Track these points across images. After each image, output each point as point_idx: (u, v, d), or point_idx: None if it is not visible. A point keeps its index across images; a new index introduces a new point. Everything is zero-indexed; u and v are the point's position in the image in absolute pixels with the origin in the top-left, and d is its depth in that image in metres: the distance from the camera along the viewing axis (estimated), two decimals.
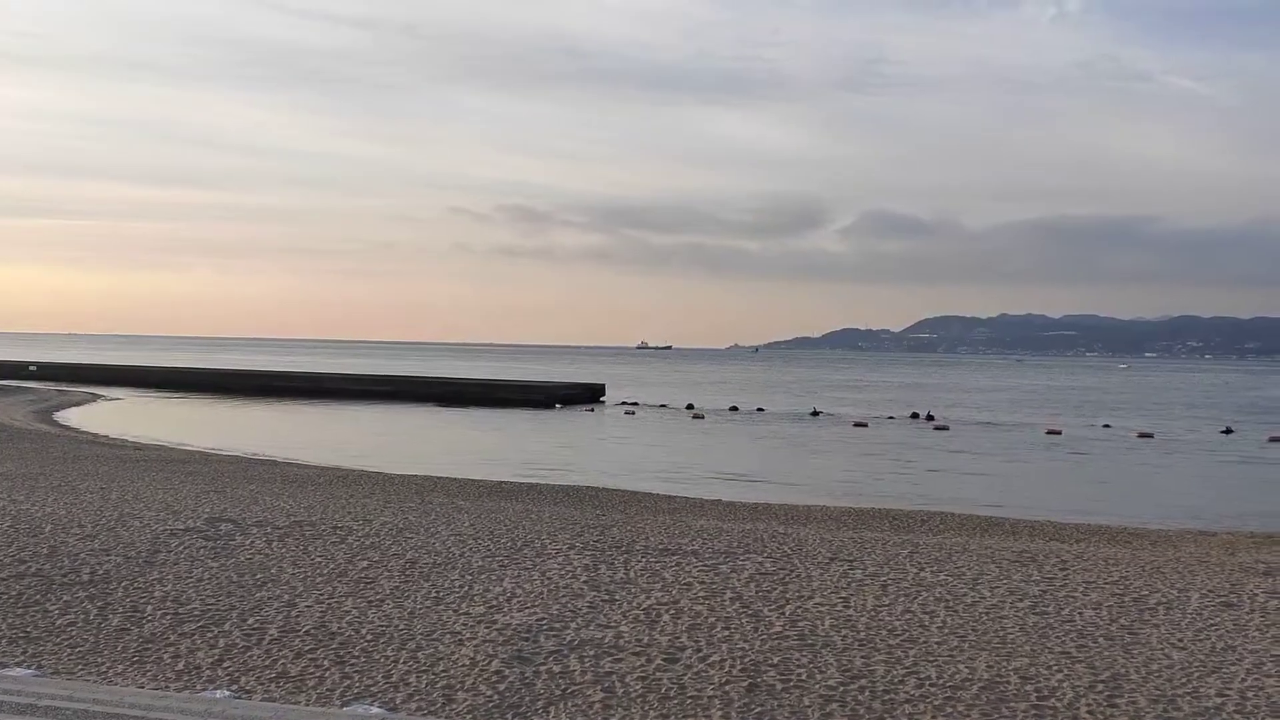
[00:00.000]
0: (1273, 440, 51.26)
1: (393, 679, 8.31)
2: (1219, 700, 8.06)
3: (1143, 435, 52.80)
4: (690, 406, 67.59)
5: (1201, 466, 39.72)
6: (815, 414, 64.16)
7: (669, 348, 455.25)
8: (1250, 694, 8.23)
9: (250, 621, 9.88)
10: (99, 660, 8.67)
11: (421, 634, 9.59)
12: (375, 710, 7.08)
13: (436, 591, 11.36)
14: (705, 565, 13.25)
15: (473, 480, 27.17)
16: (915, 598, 11.67)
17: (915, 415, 63.81)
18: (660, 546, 14.70)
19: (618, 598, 11.30)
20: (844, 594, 11.77)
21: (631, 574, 12.59)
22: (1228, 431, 56.41)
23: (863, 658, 9.09)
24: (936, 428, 55.30)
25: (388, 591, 11.29)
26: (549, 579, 12.17)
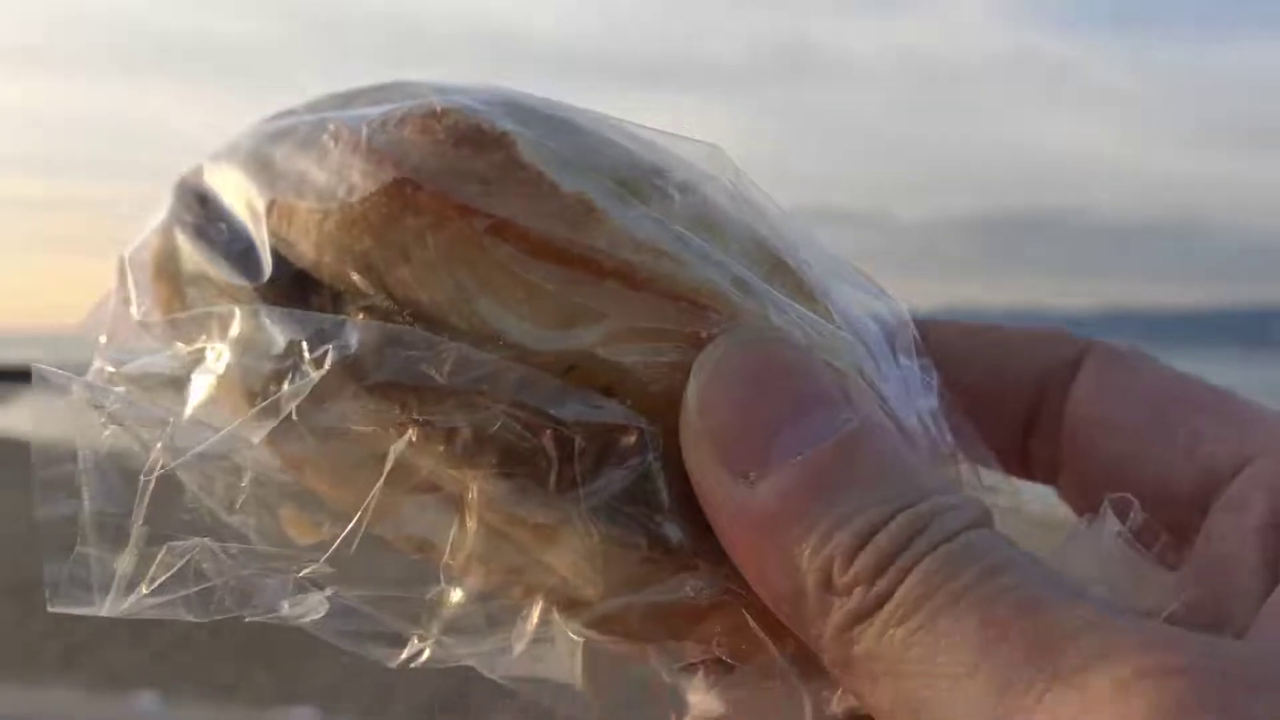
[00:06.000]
0: None
1: (328, 682, 8.17)
2: None
3: None
4: None
5: None
6: None
7: None
8: None
9: (180, 625, 9.61)
10: (24, 665, 8.45)
11: None
12: (310, 713, 6.94)
13: None
14: None
15: None
16: None
17: None
18: None
19: None
20: None
21: None
22: None
23: None
24: None
25: None
26: None
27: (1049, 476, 0.45)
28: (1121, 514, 0.39)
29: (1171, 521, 0.39)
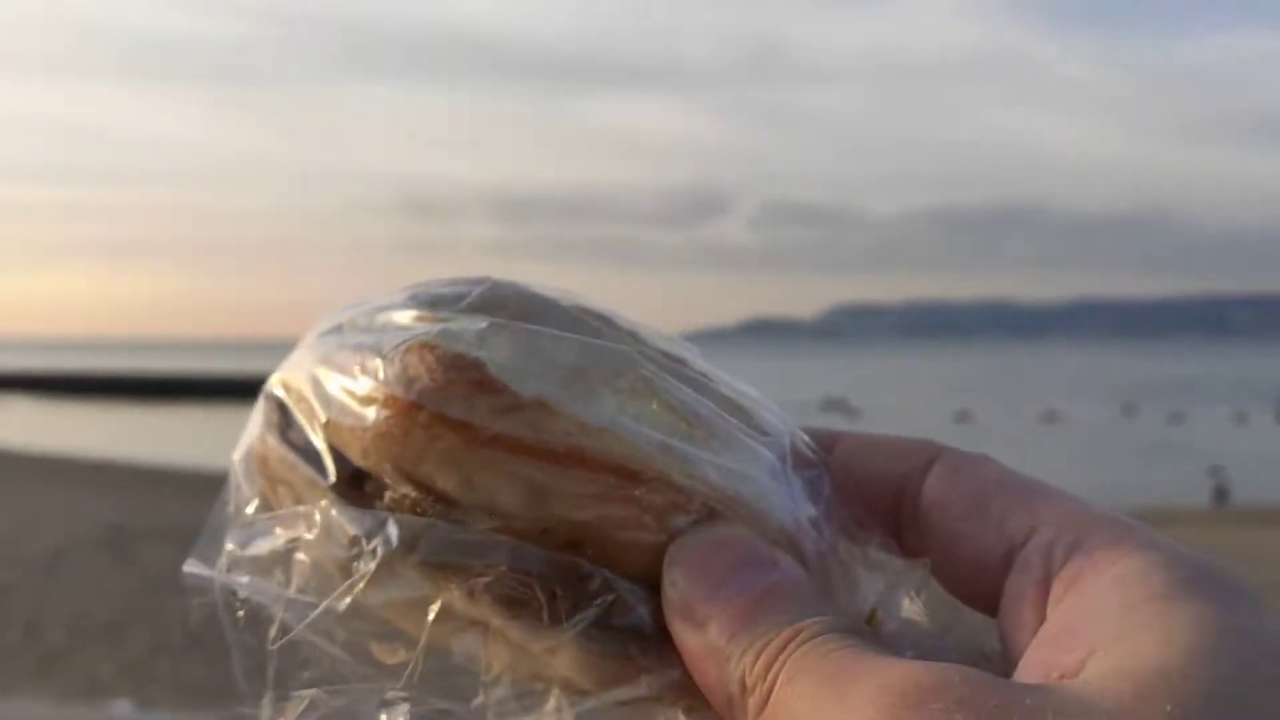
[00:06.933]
0: (1173, 417, 52.62)
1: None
2: None
3: (1048, 416, 53.92)
4: None
5: (1103, 445, 40.65)
6: None
7: None
8: None
9: (154, 632, 9.62)
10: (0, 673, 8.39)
11: None
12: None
13: None
14: None
15: None
16: None
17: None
18: None
19: None
20: None
21: None
22: (1129, 410, 57.80)
23: None
24: (847, 413, 55.92)
25: None
26: None
27: (918, 554, 0.56)
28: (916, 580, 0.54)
29: (989, 583, 0.51)
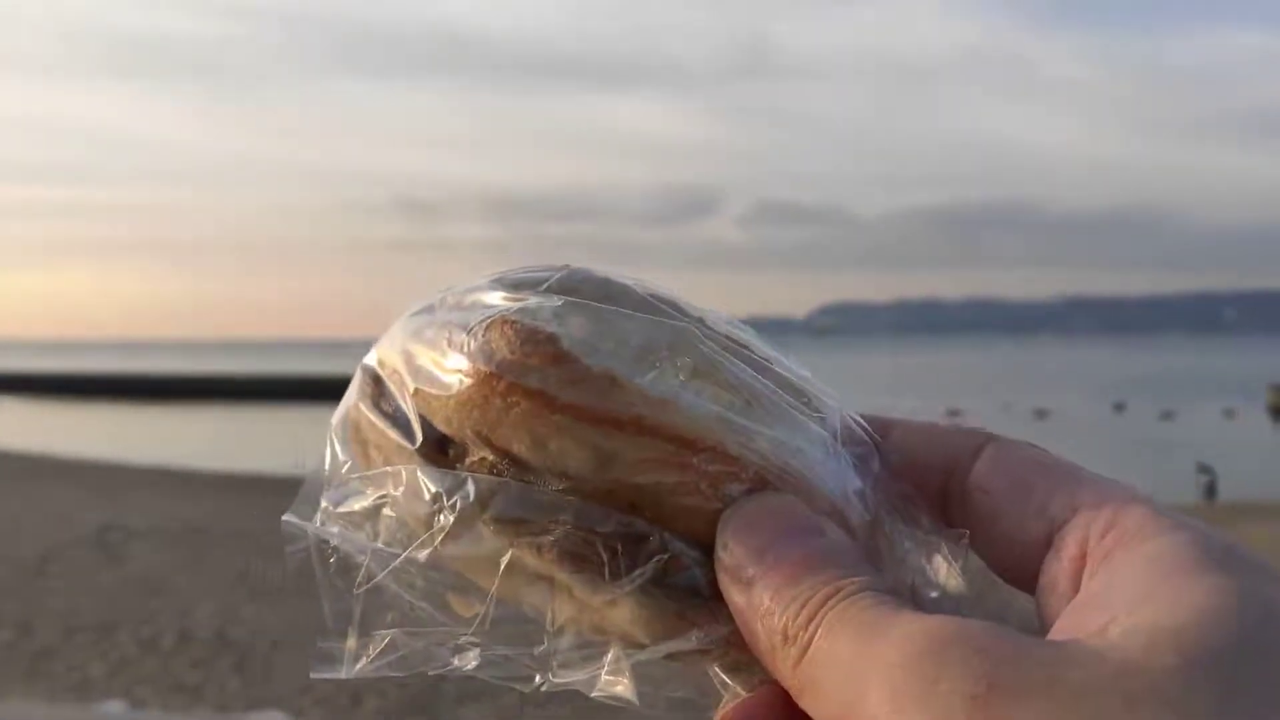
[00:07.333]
0: (1164, 414, 52.79)
1: (295, 686, 8.13)
2: None
3: (1039, 414, 54.05)
4: None
5: (1094, 442, 40.73)
6: None
7: None
8: None
9: (144, 632, 9.62)
10: None
11: None
12: (278, 716, 6.91)
13: None
14: None
15: None
16: None
17: None
18: None
19: None
20: None
21: None
22: (1120, 407, 57.96)
23: None
24: None
25: (289, 597, 11.05)
26: None
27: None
28: (955, 551, 0.58)
29: (1031, 563, 0.54)
